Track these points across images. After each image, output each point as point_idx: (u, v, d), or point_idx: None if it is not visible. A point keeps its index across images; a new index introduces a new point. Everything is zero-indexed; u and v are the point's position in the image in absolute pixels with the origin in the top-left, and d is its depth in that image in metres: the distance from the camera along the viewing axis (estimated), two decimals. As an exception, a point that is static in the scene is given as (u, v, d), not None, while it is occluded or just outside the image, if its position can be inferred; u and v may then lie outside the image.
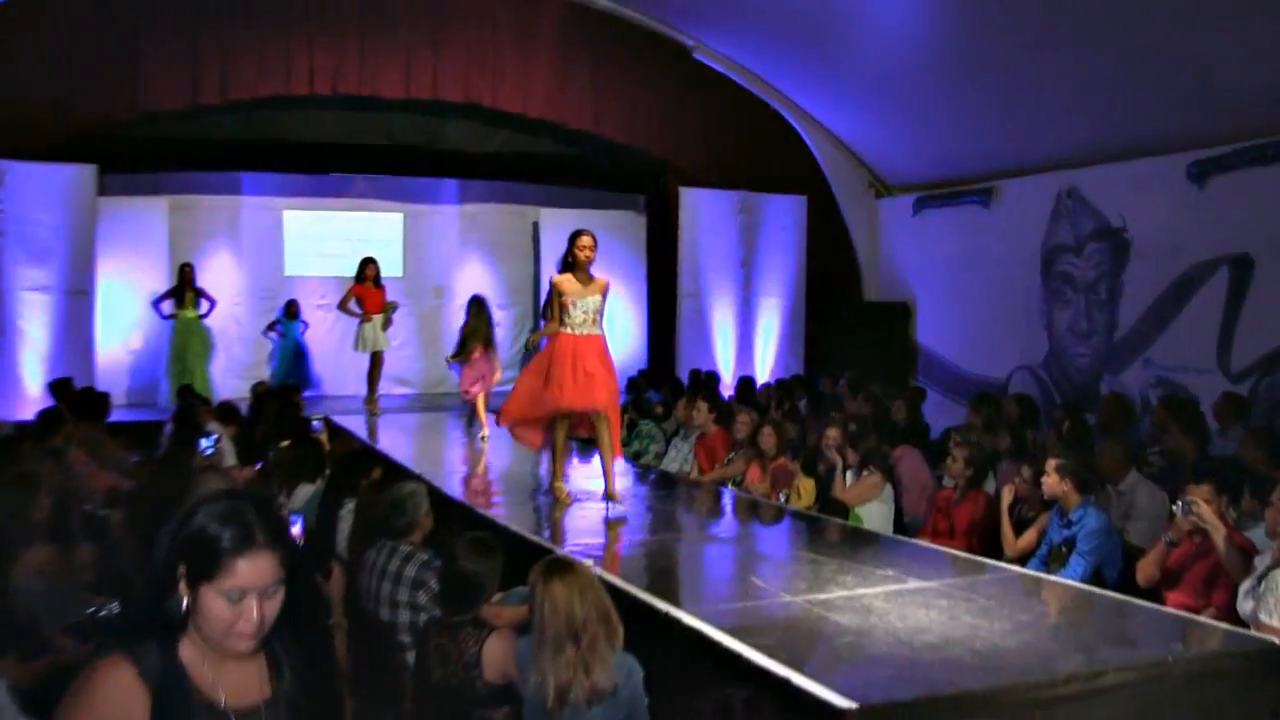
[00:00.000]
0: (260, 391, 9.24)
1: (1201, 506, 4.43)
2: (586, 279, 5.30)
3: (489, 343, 8.97)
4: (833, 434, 6.87)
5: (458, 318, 13.60)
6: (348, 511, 5.10)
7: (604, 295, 5.35)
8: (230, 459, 6.53)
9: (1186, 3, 7.78)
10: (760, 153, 12.71)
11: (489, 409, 8.78)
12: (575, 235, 5.33)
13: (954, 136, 11.17)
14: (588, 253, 5.26)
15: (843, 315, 12.58)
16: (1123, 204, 9.70)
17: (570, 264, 5.29)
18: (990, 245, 11.34)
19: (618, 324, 14.15)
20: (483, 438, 8.63)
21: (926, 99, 10.85)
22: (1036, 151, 10.49)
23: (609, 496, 5.31)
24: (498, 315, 14.16)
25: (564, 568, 3.14)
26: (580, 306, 5.21)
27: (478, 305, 9.12)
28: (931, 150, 11.76)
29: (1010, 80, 9.77)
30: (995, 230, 11.28)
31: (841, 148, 13.00)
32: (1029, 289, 10.76)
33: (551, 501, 5.68)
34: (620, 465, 6.21)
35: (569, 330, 5.24)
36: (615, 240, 14.09)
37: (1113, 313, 9.80)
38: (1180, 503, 4.51)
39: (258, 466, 6.40)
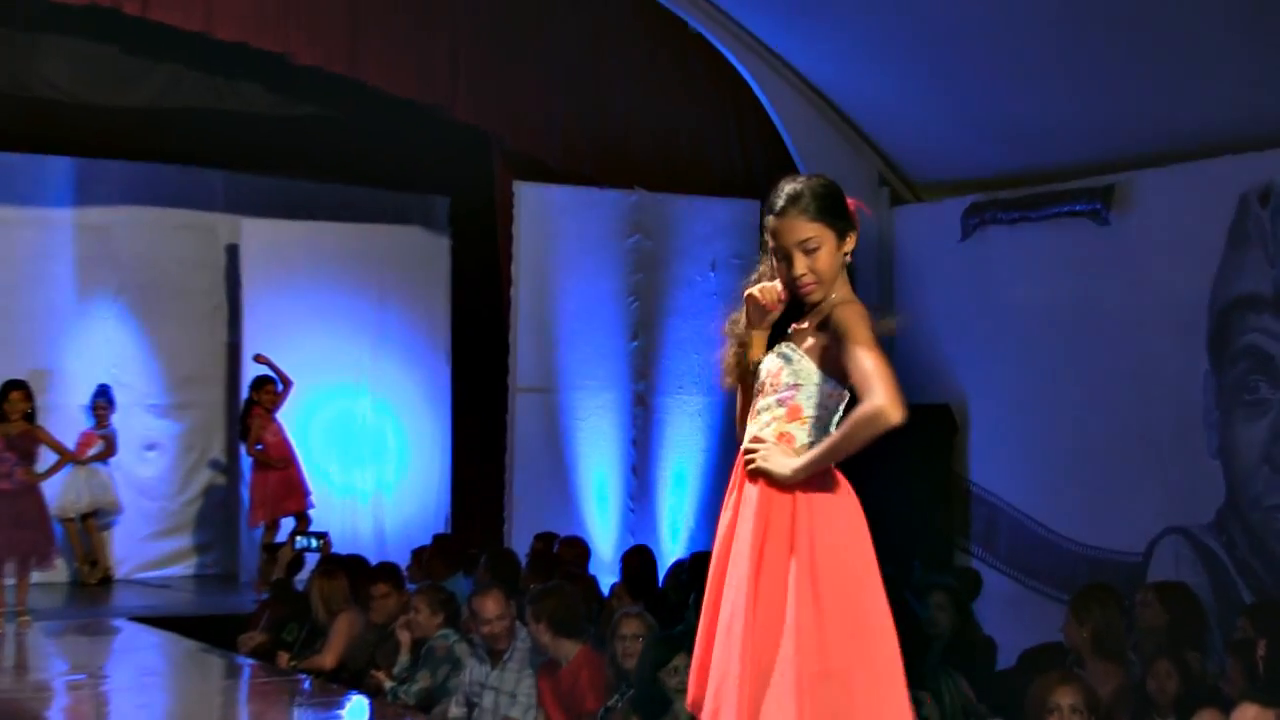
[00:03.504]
0: None
1: None
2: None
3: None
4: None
5: (75, 425, 13.48)
6: None
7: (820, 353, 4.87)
8: None
9: None
10: (676, 123, 13.13)
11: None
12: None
13: (1042, 94, 11.34)
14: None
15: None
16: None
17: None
18: (1109, 294, 11.47)
19: (396, 444, 14.21)
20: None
21: (990, 31, 11.09)
22: (1196, 119, 10.62)
23: None
24: (149, 425, 14.33)
25: None
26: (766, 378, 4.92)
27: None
28: (999, 119, 11.94)
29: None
30: (1120, 266, 11.41)
31: (832, 116, 13.12)
32: (1186, 379, 10.86)
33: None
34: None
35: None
36: (390, 280, 14.49)
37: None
38: None
39: None
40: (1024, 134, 11.82)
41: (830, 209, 4.68)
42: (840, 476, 4.71)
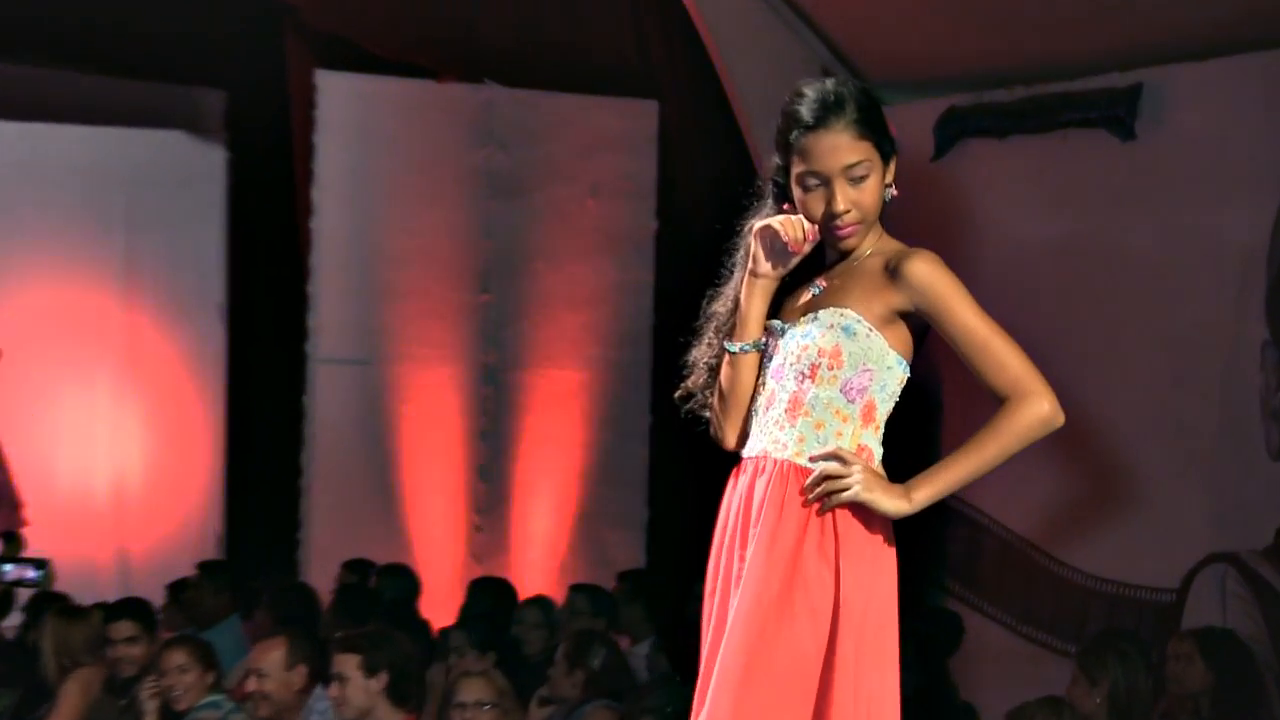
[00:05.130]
0: None
1: None
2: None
3: None
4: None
5: None
6: None
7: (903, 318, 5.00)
8: None
9: None
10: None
11: None
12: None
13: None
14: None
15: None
16: None
17: (785, 186, 5.03)
18: (1134, 235, 11.55)
19: (146, 434, 14.32)
20: None
21: None
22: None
23: None
24: None
25: None
26: (786, 347, 5.02)
27: None
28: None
29: None
30: (1148, 196, 11.47)
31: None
32: (1238, 352, 10.92)
33: None
34: None
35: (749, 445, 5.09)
36: (141, 205, 14.50)
37: None
38: None
39: None
40: (1020, 14, 11.82)
41: (879, 124, 4.86)
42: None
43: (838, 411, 4.77)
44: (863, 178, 4.77)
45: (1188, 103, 11.25)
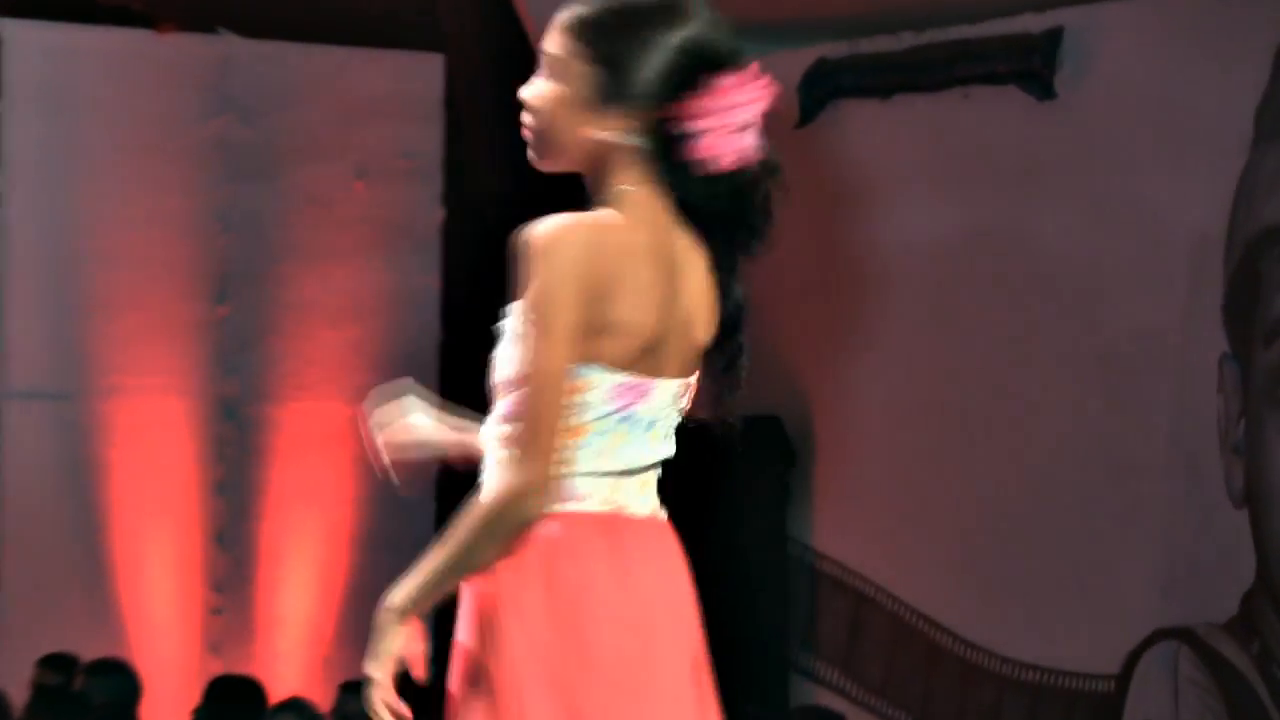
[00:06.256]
0: None
1: None
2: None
3: None
4: None
5: None
6: None
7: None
8: None
9: None
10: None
11: None
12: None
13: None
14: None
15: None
16: None
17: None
18: (1056, 223, 11.83)
19: None
20: None
21: None
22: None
23: None
24: None
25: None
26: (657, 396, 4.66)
27: None
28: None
29: None
30: (1073, 171, 11.79)
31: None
32: (1190, 369, 11.17)
33: None
34: None
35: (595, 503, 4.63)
36: None
37: None
38: None
39: None
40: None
41: (608, 37, 4.65)
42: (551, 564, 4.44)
43: (501, 438, 4.59)
44: (546, 75, 4.71)
45: (1120, 50, 11.50)
